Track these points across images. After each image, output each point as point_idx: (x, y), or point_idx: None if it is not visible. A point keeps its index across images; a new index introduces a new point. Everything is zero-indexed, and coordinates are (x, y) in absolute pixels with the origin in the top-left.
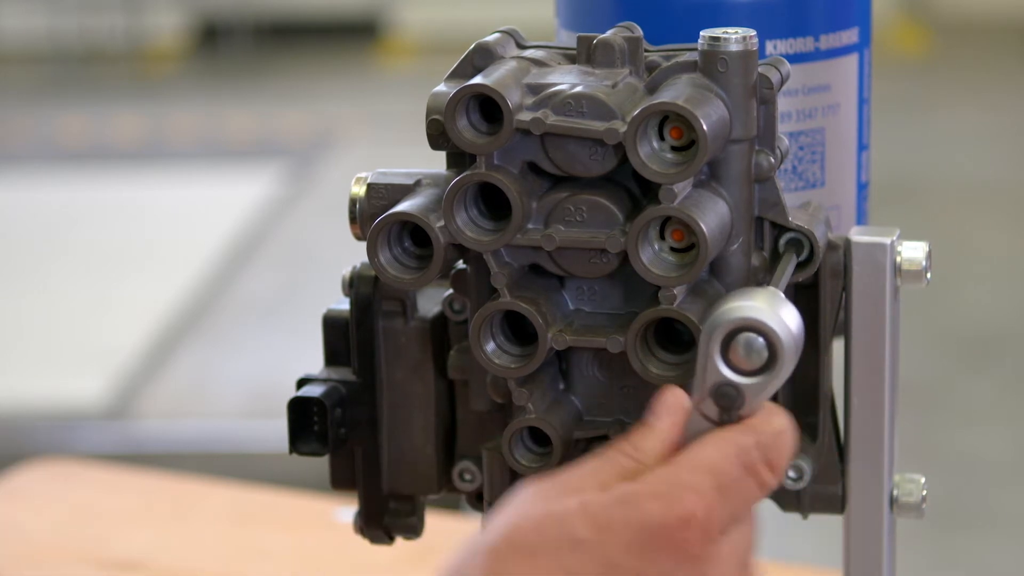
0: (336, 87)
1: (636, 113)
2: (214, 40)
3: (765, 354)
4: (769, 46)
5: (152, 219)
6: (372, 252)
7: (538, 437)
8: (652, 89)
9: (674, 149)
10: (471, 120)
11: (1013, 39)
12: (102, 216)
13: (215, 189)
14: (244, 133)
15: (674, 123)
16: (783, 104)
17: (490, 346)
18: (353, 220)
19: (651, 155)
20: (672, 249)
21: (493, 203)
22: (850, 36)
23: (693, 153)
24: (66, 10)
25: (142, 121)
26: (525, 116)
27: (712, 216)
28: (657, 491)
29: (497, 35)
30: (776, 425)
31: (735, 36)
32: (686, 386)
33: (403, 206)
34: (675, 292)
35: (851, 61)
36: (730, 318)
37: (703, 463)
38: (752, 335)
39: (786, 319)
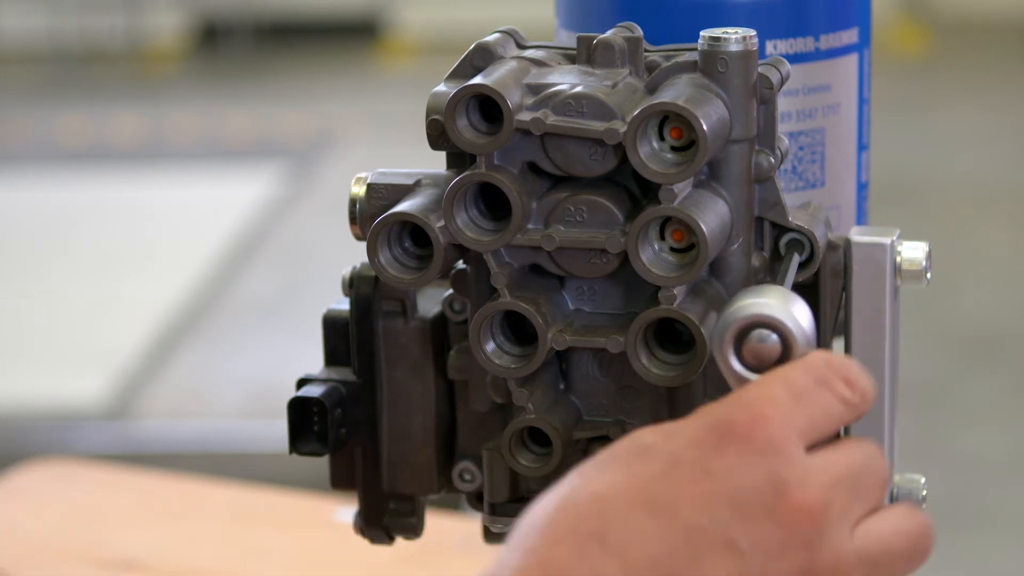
0: (336, 87)
1: (636, 113)
2: (214, 40)
3: (779, 350)
4: (769, 46)
5: (152, 219)
6: (372, 252)
7: (538, 437)
8: (652, 89)
9: (674, 149)
10: (471, 120)
11: (1013, 39)
12: (102, 216)
13: (215, 189)
14: (244, 133)
15: (674, 123)
16: (783, 104)
17: (490, 346)
18: (353, 220)
19: (651, 155)
20: (672, 249)
21: (493, 203)
22: (850, 36)
23: (693, 153)
24: (66, 10)
25: (142, 121)
26: (525, 116)
27: (712, 216)
28: (728, 400)
29: (497, 35)
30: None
31: (735, 36)
32: (688, 387)
33: (403, 206)
34: (675, 292)
35: (851, 61)
36: (743, 315)
37: (773, 376)
38: (765, 331)
39: (798, 316)
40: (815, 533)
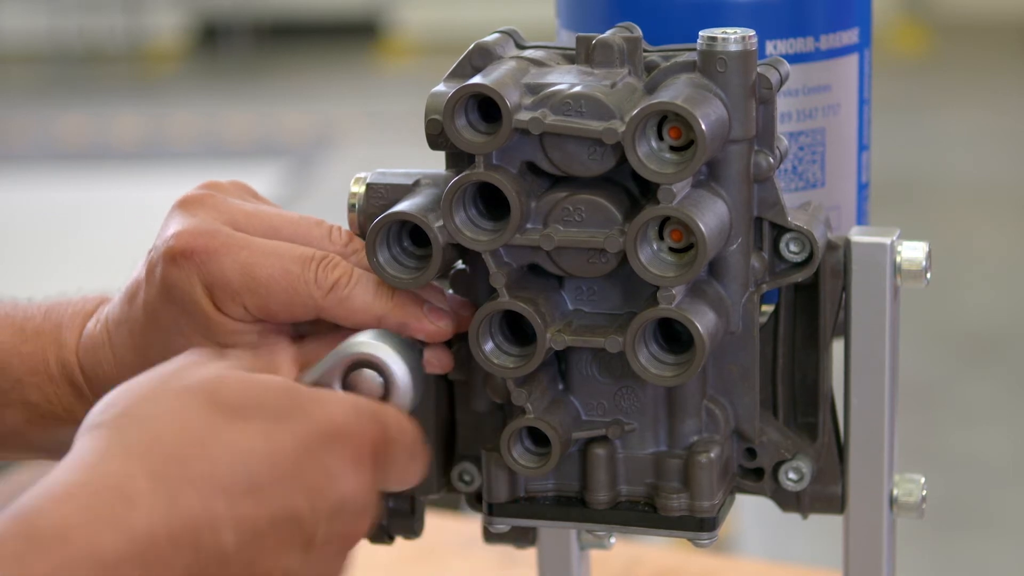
0: (336, 87)
1: (635, 113)
2: (214, 40)
3: (381, 391)
4: (769, 46)
5: (152, 219)
6: (371, 252)
7: (537, 437)
8: (651, 89)
9: (673, 149)
10: (470, 120)
11: (1013, 39)
12: (102, 216)
13: None
14: (244, 133)
15: (673, 123)
16: (783, 104)
17: (489, 346)
18: (352, 220)
19: (649, 155)
20: (671, 249)
21: (492, 203)
22: (850, 36)
23: (692, 153)
24: (66, 10)
25: (142, 121)
26: (524, 116)
27: (711, 216)
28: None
29: (496, 35)
30: None
31: (734, 36)
32: (687, 387)
33: (402, 206)
34: (674, 292)
35: (851, 61)
36: (346, 353)
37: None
38: (370, 371)
39: (401, 356)
40: None
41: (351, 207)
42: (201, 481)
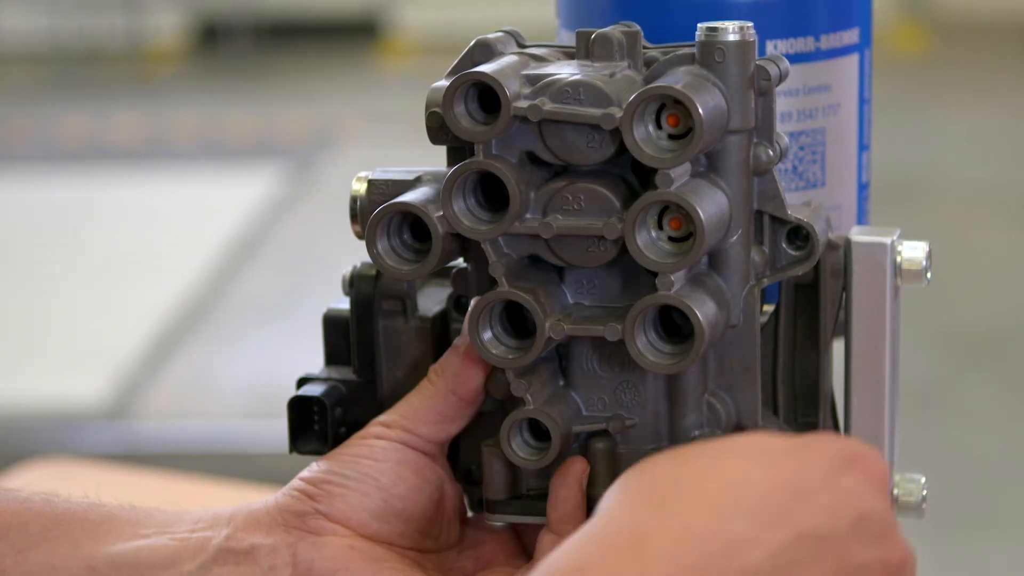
0: (336, 87)
1: (633, 97)
2: (214, 40)
3: None
4: (769, 46)
5: (152, 219)
6: (370, 241)
7: (537, 431)
8: (649, 81)
9: (671, 138)
10: (469, 109)
11: (1013, 39)
12: (102, 216)
13: (215, 189)
14: (244, 133)
15: (671, 110)
16: (783, 104)
17: (487, 335)
18: (354, 218)
19: (647, 139)
20: (670, 239)
21: (493, 196)
22: (851, 36)
23: (690, 138)
24: (66, 10)
25: (142, 121)
26: (522, 103)
27: (710, 203)
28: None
29: (499, 34)
30: None
31: (732, 27)
32: (686, 383)
33: (402, 197)
34: (673, 279)
35: (852, 61)
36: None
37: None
38: None
39: None
40: None
41: (352, 205)
42: (705, 507)
